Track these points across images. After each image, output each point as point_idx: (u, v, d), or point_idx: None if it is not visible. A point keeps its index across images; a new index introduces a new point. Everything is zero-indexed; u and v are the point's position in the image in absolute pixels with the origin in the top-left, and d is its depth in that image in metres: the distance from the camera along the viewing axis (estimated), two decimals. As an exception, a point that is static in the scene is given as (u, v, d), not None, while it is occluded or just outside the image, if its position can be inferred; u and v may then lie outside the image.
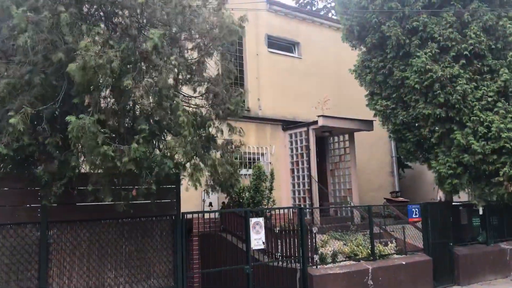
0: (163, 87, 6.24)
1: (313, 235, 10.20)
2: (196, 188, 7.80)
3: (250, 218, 8.96)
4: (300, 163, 14.78)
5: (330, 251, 10.92)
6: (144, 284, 7.48)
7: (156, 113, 6.17)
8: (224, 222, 12.10)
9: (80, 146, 5.94)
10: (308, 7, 30.08)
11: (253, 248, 8.92)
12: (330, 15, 27.76)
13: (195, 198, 13.02)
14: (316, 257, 10.05)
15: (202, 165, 6.86)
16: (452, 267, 12.37)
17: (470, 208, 13.40)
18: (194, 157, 6.70)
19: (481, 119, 11.35)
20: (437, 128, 12.12)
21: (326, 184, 16.10)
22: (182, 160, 6.52)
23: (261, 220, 9.10)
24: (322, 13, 27.44)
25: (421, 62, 11.59)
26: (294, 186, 14.94)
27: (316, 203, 14.21)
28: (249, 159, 14.31)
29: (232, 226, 11.55)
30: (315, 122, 14.20)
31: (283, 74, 16.33)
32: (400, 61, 12.44)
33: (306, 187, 14.44)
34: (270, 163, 14.86)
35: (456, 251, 12.56)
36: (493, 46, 11.80)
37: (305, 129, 14.60)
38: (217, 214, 12.26)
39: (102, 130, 5.64)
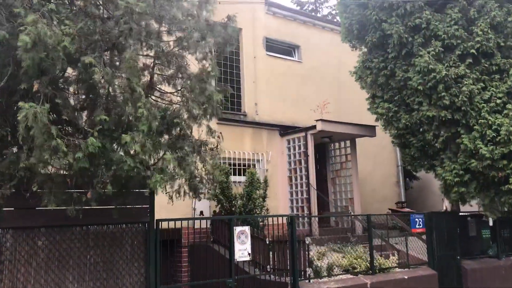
0: (132, 74, 5.54)
1: (306, 247, 9.41)
2: (168, 194, 7.15)
3: (234, 227, 8.20)
4: (298, 170, 14.00)
5: (327, 264, 10.13)
6: (111, 299, 6.74)
7: (115, 104, 5.49)
8: (216, 232, 11.34)
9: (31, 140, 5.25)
10: (313, 13, 29.46)
11: (237, 260, 8.14)
12: (336, 20, 27.10)
13: (185, 206, 12.24)
14: (309, 271, 9.25)
15: (172, 166, 6.11)
16: (460, 282, 11.46)
17: (480, 219, 12.53)
18: (162, 156, 5.97)
19: (490, 122, 10.53)
20: (442, 132, 11.32)
21: (327, 193, 15.31)
22: (147, 159, 5.78)
23: (246, 229, 8.33)
24: (328, 18, 26.72)
25: (424, 62, 10.82)
26: (292, 195, 14.15)
27: (315, 213, 13.41)
28: (244, 165, 13.57)
29: (222, 236, 10.79)
30: (314, 127, 13.46)
31: (281, 78, 15.65)
32: (402, 61, 11.68)
33: (304, 195, 13.65)
34: (266, 170, 14.11)
35: (464, 265, 11.67)
36: (502, 44, 10.98)
37: (303, 134, 13.85)
38: (208, 223, 11.50)
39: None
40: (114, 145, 5.47)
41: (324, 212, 14.82)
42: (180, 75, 6.64)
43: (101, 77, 5.19)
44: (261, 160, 14.16)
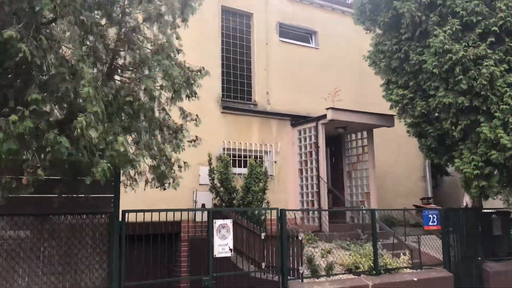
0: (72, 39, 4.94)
1: (300, 243, 8.64)
2: (123, 183, 6.54)
3: (214, 220, 7.53)
4: (308, 162, 13.17)
5: (327, 263, 9.33)
6: (68, 295, 6.22)
7: (52, 82, 4.91)
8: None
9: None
10: None
11: (217, 256, 7.47)
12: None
13: (186, 199, 11.75)
14: (302, 269, 8.47)
15: (123, 150, 5.44)
16: (480, 286, 10.39)
17: (506, 217, 11.36)
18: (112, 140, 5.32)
19: (513, 108, 9.41)
20: (460, 120, 10.25)
21: (342, 187, 14.39)
22: (96, 140, 5.10)
23: (228, 222, 7.64)
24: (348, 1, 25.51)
25: (439, 42, 9.78)
26: (302, 188, 13.33)
27: (325, 208, 12.55)
28: (250, 157, 12.86)
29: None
30: (324, 116, 12.58)
31: (296, 65, 14.82)
32: (417, 43, 10.66)
33: (315, 189, 12.80)
34: (275, 162, 13.35)
35: (486, 267, 10.58)
36: (529, 21, 9.81)
37: (314, 124, 13.00)
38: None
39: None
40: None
41: (338, 207, 13.94)
42: (138, 51, 5.99)
43: (29, 52, 4.59)
44: (270, 151, 13.41)
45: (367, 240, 11.24)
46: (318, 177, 12.66)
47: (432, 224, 9.96)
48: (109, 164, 5.01)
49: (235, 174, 12.04)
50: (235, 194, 10.85)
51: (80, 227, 6.44)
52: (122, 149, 5.00)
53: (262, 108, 13.82)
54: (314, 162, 12.91)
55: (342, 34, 15.85)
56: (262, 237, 8.92)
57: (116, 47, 5.89)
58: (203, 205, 11.77)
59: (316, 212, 12.48)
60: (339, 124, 13.06)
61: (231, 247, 7.58)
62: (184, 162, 6.72)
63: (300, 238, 8.58)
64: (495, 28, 9.69)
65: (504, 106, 9.45)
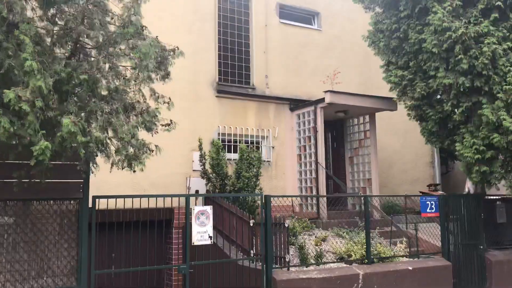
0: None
1: (287, 230, 8.30)
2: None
3: (193, 207, 7.23)
4: (307, 148, 12.77)
5: (320, 250, 8.99)
6: (34, 283, 6.00)
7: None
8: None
9: None
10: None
11: (195, 243, 7.18)
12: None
13: (179, 185, 11.49)
14: (288, 257, 8.15)
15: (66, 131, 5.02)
16: (482, 275, 9.95)
17: (511, 203, 10.83)
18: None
19: (517, 89, 8.86)
20: (462, 102, 9.73)
21: (344, 173, 13.97)
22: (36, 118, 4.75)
23: (208, 209, 7.34)
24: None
25: (437, 19, 9.24)
26: (301, 174, 12.96)
27: (323, 194, 12.16)
28: (246, 142, 12.52)
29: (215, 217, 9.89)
30: (323, 100, 12.14)
31: (298, 48, 14.37)
32: (416, 21, 10.11)
33: (313, 175, 12.41)
34: (272, 147, 12.99)
35: (489, 256, 10.11)
36: (536, -6, 9.20)
37: (312, 108, 12.57)
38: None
39: None
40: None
41: (340, 194, 13.53)
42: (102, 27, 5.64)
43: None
44: (267, 136, 13.04)
45: (364, 228, 10.88)
46: (316, 162, 12.25)
47: (430, 211, 9.52)
48: (47, 143, 4.67)
49: (229, 159, 11.74)
50: (227, 180, 10.54)
51: (47, 214, 6.19)
52: (72, 130, 4.69)
53: (260, 92, 13.42)
54: (312, 147, 12.50)
55: (346, 15, 15.31)
56: (251, 224, 8.61)
57: (78, 25, 5.56)
58: (197, 191, 11.51)
59: (314, 198, 12.10)
60: (339, 108, 12.61)
61: (211, 234, 7.28)
62: (156, 146, 6.37)
63: (286, 225, 8.24)
64: (499, 2, 9.10)
65: (507, 87, 8.90)
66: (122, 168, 6.04)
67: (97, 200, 6.61)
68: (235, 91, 12.95)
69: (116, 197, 6.83)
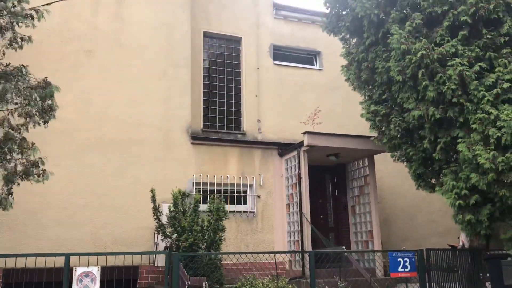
0: None
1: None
2: None
3: (75, 268, 6.35)
4: (294, 196, 11.48)
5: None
6: None
7: None
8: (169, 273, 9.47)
9: None
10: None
11: (74, 312, 6.25)
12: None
13: (145, 241, 10.67)
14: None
15: None
16: None
17: (525, 261, 8.70)
18: None
19: (492, 117, 7.19)
20: (440, 137, 8.15)
21: (348, 224, 12.38)
22: None
23: (94, 270, 6.41)
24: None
25: (396, 42, 7.92)
26: (290, 226, 11.61)
27: (309, 249, 10.69)
28: (227, 192, 11.52)
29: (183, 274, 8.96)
30: (302, 143, 10.94)
31: (295, 89, 13.41)
32: (382, 47, 8.81)
33: (297, 228, 11.04)
34: (258, 197, 11.83)
35: (492, 327, 8.06)
36: (514, 5, 7.62)
37: (296, 152, 11.37)
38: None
39: None
40: None
41: (340, 248, 11.92)
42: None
43: None
44: (251, 185, 11.94)
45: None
46: (300, 213, 10.91)
47: (402, 270, 7.80)
48: None
49: (205, 211, 10.76)
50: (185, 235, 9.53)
51: None
52: None
53: (252, 137, 12.50)
54: (296, 196, 11.22)
55: (351, 51, 14.12)
56: (186, 285, 7.54)
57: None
58: (166, 248, 10.59)
59: (300, 255, 10.68)
60: (327, 150, 11.31)
61: (97, 300, 6.32)
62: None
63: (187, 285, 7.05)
64: (466, 17, 7.62)
65: (480, 115, 7.26)
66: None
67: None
68: (220, 137, 12.14)
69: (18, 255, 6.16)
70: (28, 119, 6.18)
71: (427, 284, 7.92)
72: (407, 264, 7.86)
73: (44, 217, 10.12)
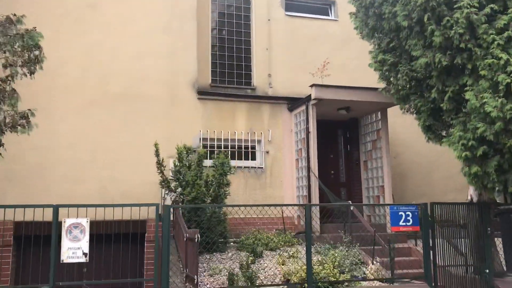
0: None
1: (192, 246, 7.06)
2: None
3: (64, 219, 6.36)
4: (303, 151, 11.24)
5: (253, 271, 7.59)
6: None
7: None
8: (175, 227, 9.53)
9: None
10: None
11: (65, 261, 6.29)
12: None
13: (153, 195, 10.67)
14: (196, 278, 6.88)
15: None
16: (488, 309, 7.67)
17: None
18: None
19: (504, 62, 6.67)
20: (448, 85, 7.69)
21: (360, 180, 12.10)
22: None
23: (83, 222, 6.40)
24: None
25: (401, -18, 7.40)
26: (298, 181, 11.43)
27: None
28: (235, 147, 11.38)
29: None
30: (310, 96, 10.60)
31: (307, 42, 12.90)
32: (390, -11, 8.28)
33: (305, 183, 10.85)
34: (266, 152, 11.63)
35: (499, 282, 7.78)
36: None
37: (304, 106, 11.04)
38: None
39: None
40: None
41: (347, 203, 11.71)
42: None
43: None
44: (260, 140, 11.73)
45: (350, 243, 9.14)
46: (308, 168, 10.69)
47: (403, 224, 7.54)
48: None
49: (212, 167, 10.68)
50: (187, 189, 9.48)
51: None
52: None
53: (262, 92, 12.19)
54: (304, 151, 10.98)
55: (367, 0, 13.44)
56: (196, 241, 7.47)
57: None
58: (173, 202, 10.61)
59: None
60: (337, 104, 10.94)
61: (86, 250, 6.33)
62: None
63: (196, 240, 7.00)
64: (477, -46, 7.01)
65: (490, 61, 6.76)
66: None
67: None
68: (230, 92, 11.88)
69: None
70: (11, 70, 6.05)
71: (431, 240, 7.64)
72: (409, 218, 7.60)
73: (53, 172, 10.25)
